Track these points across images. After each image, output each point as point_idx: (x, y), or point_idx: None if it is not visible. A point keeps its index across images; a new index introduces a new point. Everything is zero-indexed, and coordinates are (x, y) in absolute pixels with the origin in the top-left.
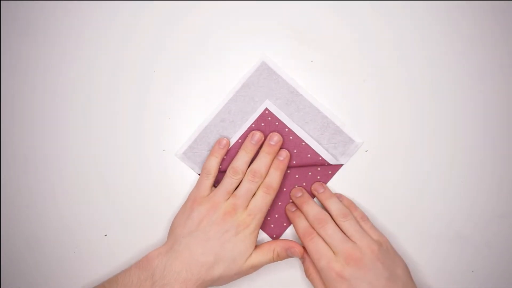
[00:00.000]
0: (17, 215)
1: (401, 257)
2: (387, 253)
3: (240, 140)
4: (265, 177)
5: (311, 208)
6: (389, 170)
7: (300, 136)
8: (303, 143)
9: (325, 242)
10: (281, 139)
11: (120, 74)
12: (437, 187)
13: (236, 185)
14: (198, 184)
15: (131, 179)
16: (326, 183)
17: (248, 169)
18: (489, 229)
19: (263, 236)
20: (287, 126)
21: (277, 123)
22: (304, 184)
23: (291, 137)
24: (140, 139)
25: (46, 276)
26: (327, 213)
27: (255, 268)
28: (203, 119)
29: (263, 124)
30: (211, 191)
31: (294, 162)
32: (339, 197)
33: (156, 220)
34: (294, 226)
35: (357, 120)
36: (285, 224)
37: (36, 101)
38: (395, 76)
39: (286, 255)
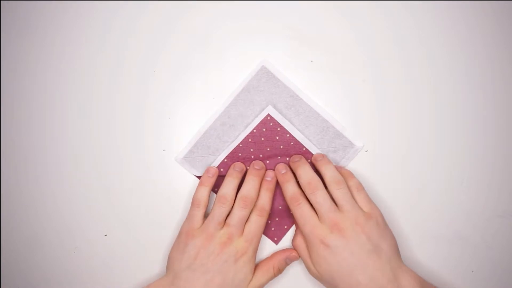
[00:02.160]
0: (17, 215)
1: (391, 232)
2: (376, 226)
3: (241, 145)
4: (256, 200)
5: (306, 172)
6: (389, 170)
7: (301, 142)
8: (304, 149)
9: (313, 208)
10: (264, 165)
11: (120, 74)
12: (437, 187)
13: (227, 213)
14: (189, 216)
15: (131, 179)
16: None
17: (238, 196)
18: (489, 229)
19: (268, 242)
20: (288, 131)
21: (278, 129)
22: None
23: (292, 143)
24: (140, 139)
25: (46, 276)
26: (320, 180)
27: None
28: (203, 122)
29: (264, 129)
30: (203, 222)
31: None
32: (338, 168)
33: (156, 220)
34: (283, 189)
35: (357, 120)
36: (285, 227)
37: (36, 101)
38: (395, 76)
39: (285, 264)
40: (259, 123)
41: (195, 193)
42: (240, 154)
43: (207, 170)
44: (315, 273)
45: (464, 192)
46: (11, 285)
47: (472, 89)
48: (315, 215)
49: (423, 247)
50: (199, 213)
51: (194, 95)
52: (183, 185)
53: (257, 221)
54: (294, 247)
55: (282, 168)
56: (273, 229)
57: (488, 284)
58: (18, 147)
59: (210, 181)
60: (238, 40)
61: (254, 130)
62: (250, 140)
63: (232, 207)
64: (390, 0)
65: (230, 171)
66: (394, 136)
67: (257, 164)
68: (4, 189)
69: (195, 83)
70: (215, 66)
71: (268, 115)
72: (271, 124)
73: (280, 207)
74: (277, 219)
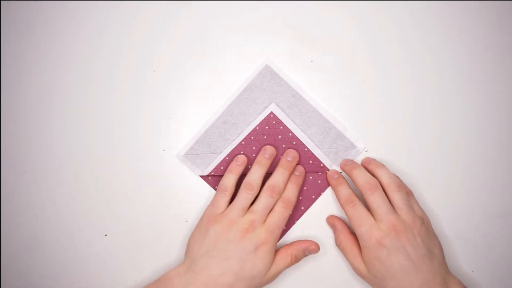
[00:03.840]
0: (17, 215)
1: (438, 239)
2: (428, 231)
3: (243, 142)
4: (283, 192)
5: (362, 173)
6: (390, 170)
7: (303, 141)
8: (306, 149)
9: (370, 209)
10: (298, 155)
11: (120, 74)
12: (437, 187)
13: (252, 201)
14: (214, 201)
15: (131, 179)
16: (326, 188)
17: (266, 184)
18: (489, 229)
19: None
20: (291, 130)
21: (281, 127)
22: (305, 188)
23: (294, 142)
24: (140, 139)
25: (46, 276)
26: (377, 181)
27: (275, 276)
28: (205, 120)
29: (267, 127)
30: (227, 208)
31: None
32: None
33: (156, 220)
34: (336, 193)
35: (357, 120)
36: (285, 228)
37: (36, 101)
38: (395, 76)
39: (303, 255)
40: (262, 121)
41: (222, 179)
42: (242, 152)
43: (236, 159)
44: (364, 273)
45: (464, 192)
46: (11, 285)
47: (472, 89)
48: (371, 216)
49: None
50: (224, 199)
51: (194, 95)
52: (184, 185)
53: (281, 212)
54: (338, 246)
55: (334, 173)
56: None
57: (488, 284)
58: (18, 147)
59: (239, 170)
60: (238, 40)
61: (257, 128)
62: (252, 138)
63: (257, 195)
64: (391, 0)
65: (260, 157)
66: (395, 136)
67: (290, 155)
68: (4, 189)
69: (195, 83)
70: (216, 66)
71: (271, 113)
72: (274, 122)
73: None
74: None
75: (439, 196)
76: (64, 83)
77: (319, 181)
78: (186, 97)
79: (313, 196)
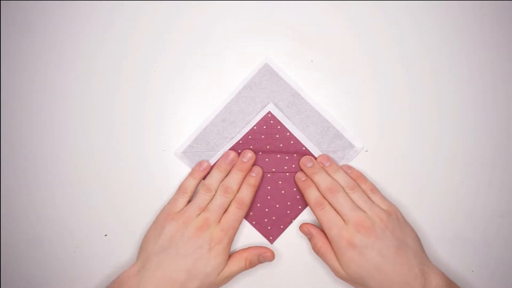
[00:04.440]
0: (17, 215)
1: (411, 227)
2: (397, 222)
3: (241, 142)
4: (237, 193)
5: (323, 178)
6: (389, 170)
7: (301, 141)
8: (304, 148)
9: (336, 211)
10: (254, 156)
11: (120, 73)
12: (437, 187)
13: (209, 201)
14: (172, 200)
15: (131, 179)
16: None
17: (220, 185)
18: (489, 229)
19: (262, 240)
20: (288, 130)
21: (279, 127)
22: None
23: (292, 142)
24: (140, 139)
25: (46, 276)
26: (338, 183)
27: (228, 278)
28: (203, 118)
29: (265, 127)
30: (184, 207)
31: (293, 166)
32: (348, 169)
33: None
34: (305, 196)
35: (357, 120)
36: (282, 227)
37: (36, 101)
38: (394, 76)
39: (258, 261)
40: (260, 120)
41: (183, 181)
42: (239, 151)
43: (199, 163)
44: (343, 275)
45: (464, 192)
46: (11, 285)
47: (472, 89)
48: (340, 217)
49: (423, 247)
50: (183, 199)
51: (194, 95)
52: None
53: (235, 212)
54: (317, 253)
55: (301, 175)
56: (269, 227)
57: (488, 284)
58: (18, 147)
59: (201, 174)
60: (238, 40)
61: (255, 127)
62: (250, 137)
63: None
64: (390, 0)
65: (220, 162)
66: (394, 136)
67: (246, 156)
68: (4, 189)
69: (195, 83)
70: (216, 66)
71: (269, 112)
72: (271, 121)
73: (278, 206)
74: (274, 218)
75: (439, 196)
76: (64, 83)
77: None
78: (186, 97)
79: None
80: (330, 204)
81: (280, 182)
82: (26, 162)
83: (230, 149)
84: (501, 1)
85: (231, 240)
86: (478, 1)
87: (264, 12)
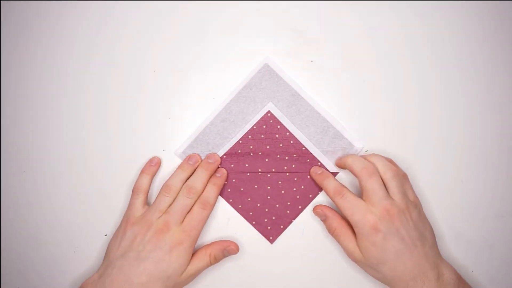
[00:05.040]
0: (17, 215)
1: (429, 223)
2: (420, 215)
3: (241, 141)
4: (201, 193)
5: (358, 159)
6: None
7: (300, 141)
8: (303, 148)
9: (364, 193)
10: (220, 160)
11: (120, 74)
12: (437, 187)
13: (170, 203)
14: (130, 204)
15: (131, 179)
16: None
17: (184, 185)
18: (490, 229)
19: (262, 241)
20: (288, 130)
21: (278, 126)
22: (302, 187)
23: (291, 141)
24: (140, 139)
25: (46, 276)
26: (374, 166)
27: (193, 276)
28: (203, 118)
29: (264, 127)
30: (144, 209)
31: (293, 166)
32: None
33: None
34: (323, 187)
35: (357, 120)
36: (281, 227)
37: (36, 101)
38: (394, 77)
39: (223, 255)
40: (259, 120)
41: (136, 181)
42: (239, 151)
43: (150, 160)
44: (359, 258)
45: (464, 192)
46: (11, 285)
47: (472, 90)
48: (363, 201)
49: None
50: (139, 200)
51: (194, 95)
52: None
53: (198, 213)
54: (332, 234)
55: (317, 169)
56: (269, 228)
57: (488, 284)
58: (18, 147)
59: (152, 170)
60: (238, 40)
61: (254, 127)
62: (250, 137)
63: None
64: (391, 0)
65: (182, 163)
66: (394, 137)
67: (211, 158)
68: (4, 189)
69: (195, 82)
70: (216, 66)
71: (269, 111)
72: (271, 121)
73: (277, 206)
74: (273, 218)
75: (439, 196)
76: (64, 83)
77: None
78: (186, 97)
79: (310, 195)
80: (363, 186)
81: (280, 182)
82: (26, 162)
83: (230, 149)
84: (507, 0)
85: (194, 242)
86: (479, 1)
87: (264, 12)
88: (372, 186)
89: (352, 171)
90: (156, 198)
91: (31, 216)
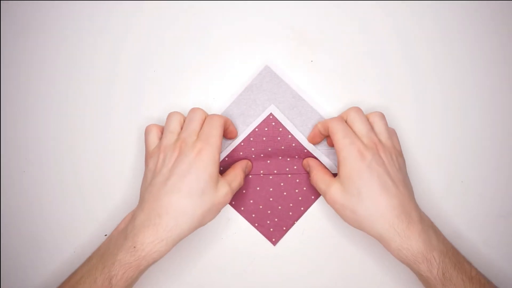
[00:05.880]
0: (17, 215)
1: None
2: (404, 166)
3: (242, 144)
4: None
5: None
6: None
7: (302, 143)
8: (305, 150)
9: (352, 128)
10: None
11: (121, 74)
12: (437, 187)
13: (181, 124)
14: (145, 142)
15: (131, 179)
16: None
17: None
18: (489, 229)
19: (264, 242)
20: (290, 132)
21: (280, 129)
22: (304, 188)
23: (293, 144)
24: (140, 139)
25: (46, 276)
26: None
27: (229, 194)
28: None
29: (266, 129)
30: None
31: (295, 167)
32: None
33: None
34: (324, 122)
35: None
36: (284, 228)
37: (36, 101)
38: (394, 76)
39: (244, 173)
40: (262, 122)
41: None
42: (241, 153)
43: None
44: (338, 197)
45: (464, 192)
46: (11, 285)
47: (472, 89)
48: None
49: None
50: (152, 134)
51: (194, 95)
52: None
53: (210, 121)
54: (312, 182)
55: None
56: (271, 229)
57: None
58: (18, 147)
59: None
60: (238, 40)
61: (256, 129)
62: (251, 139)
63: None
64: (391, 0)
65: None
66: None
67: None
68: (4, 189)
69: (195, 83)
70: (216, 66)
71: (271, 114)
72: (273, 123)
73: (280, 207)
74: (276, 219)
75: (439, 196)
76: (64, 83)
77: None
78: (186, 97)
79: (313, 197)
80: (351, 118)
81: (282, 184)
82: (26, 162)
83: (232, 151)
84: (503, 0)
85: (216, 148)
86: (479, 2)
87: (264, 13)
88: (360, 118)
89: (340, 116)
90: (166, 122)
91: (31, 216)
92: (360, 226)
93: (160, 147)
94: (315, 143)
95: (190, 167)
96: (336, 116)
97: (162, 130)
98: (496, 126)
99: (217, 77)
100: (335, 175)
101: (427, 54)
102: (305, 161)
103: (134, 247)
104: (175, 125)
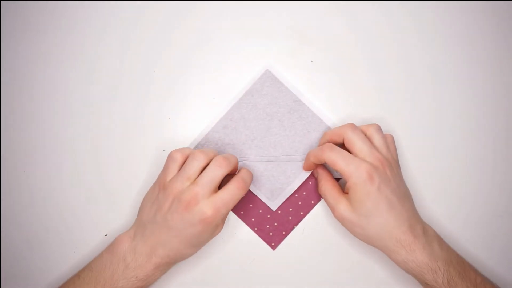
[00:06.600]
0: (17, 215)
1: None
2: (401, 175)
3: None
4: (235, 167)
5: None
6: None
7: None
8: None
9: (352, 149)
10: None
11: (121, 74)
12: (437, 187)
13: (199, 171)
14: (165, 167)
15: (131, 179)
16: None
17: (217, 156)
18: (489, 229)
19: (264, 246)
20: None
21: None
22: (304, 193)
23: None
24: (141, 139)
25: (46, 276)
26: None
27: (222, 225)
28: (205, 124)
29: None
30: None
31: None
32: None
33: None
34: (317, 150)
35: (357, 120)
36: (284, 233)
37: (36, 101)
38: (395, 76)
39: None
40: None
41: (175, 150)
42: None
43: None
44: (347, 215)
45: (464, 192)
46: (11, 285)
47: (472, 89)
48: (355, 156)
49: None
50: (175, 164)
51: (195, 96)
52: None
53: (232, 190)
54: (320, 192)
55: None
56: (271, 234)
57: None
58: (18, 147)
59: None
60: (238, 41)
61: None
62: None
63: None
64: (391, 0)
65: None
66: (396, 137)
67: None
68: (4, 189)
69: (195, 83)
70: (216, 67)
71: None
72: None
73: (279, 212)
74: (275, 224)
75: (439, 196)
76: (64, 83)
77: None
78: (186, 98)
79: (312, 202)
80: (349, 140)
81: None
82: (26, 162)
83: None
84: (500, 0)
85: (223, 219)
86: (479, 2)
87: (264, 13)
88: (359, 137)
89: (338, 132)
90: (185, 163)
91: (31, 216)
92: (367, 241)
93: (173, 186)
94: (310, 170)
95: (193, 230)
96: (331, 128)
97: (185, 159)
98: (496, 126)
99: (218, 78)
100: (337, 179)
101: (427, 54)
102: (313, 167)
103: (136, 277)
104: (193, 171)
